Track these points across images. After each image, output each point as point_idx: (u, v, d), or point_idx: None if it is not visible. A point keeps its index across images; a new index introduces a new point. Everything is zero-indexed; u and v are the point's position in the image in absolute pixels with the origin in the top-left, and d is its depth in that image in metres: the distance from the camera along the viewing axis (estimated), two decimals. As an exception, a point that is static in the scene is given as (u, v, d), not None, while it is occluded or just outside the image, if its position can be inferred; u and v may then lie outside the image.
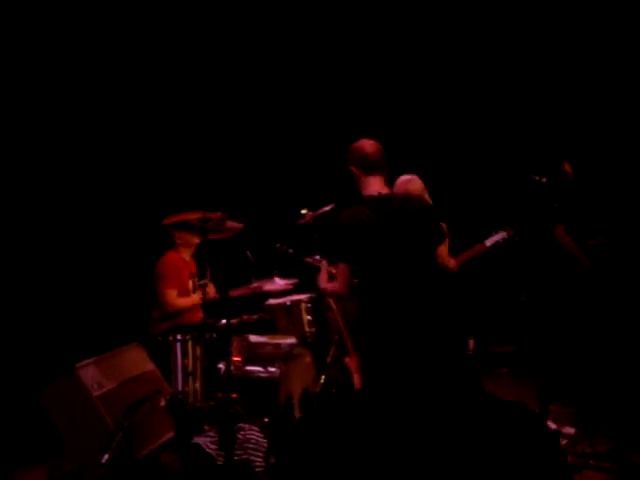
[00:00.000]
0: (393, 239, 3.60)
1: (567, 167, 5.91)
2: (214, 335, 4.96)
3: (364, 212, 3.63)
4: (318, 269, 4.42)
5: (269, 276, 5.90)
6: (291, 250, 5.68)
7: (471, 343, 6.41)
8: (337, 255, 3.67)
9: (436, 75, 7.54)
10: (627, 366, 5.72)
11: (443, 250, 3.83)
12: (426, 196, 4.58)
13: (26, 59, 5.89)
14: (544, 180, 4.86)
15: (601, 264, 5.81)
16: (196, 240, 5.68)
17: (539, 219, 5.11)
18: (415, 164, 4.89)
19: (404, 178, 4.57)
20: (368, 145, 3.80)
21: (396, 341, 3.51)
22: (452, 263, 3.88)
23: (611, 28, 6.73)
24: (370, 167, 3.76)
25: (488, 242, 5.04)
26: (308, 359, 5.66)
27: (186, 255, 5.87)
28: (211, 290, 5.51)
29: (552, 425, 5.26)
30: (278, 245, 5.76)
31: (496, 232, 5.08)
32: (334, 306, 6.08)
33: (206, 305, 5.12)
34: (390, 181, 4.11)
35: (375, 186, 3.75)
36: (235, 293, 5.67)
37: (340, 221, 3.67)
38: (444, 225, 4.62)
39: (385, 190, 3.76)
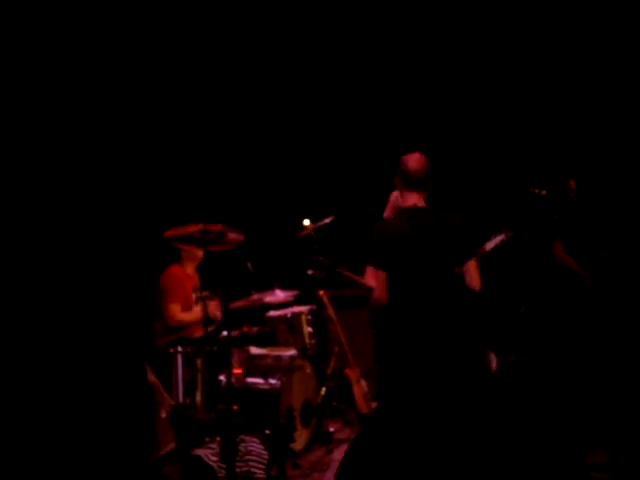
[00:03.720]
0: (422, 249, 3.78)
1: (572, 183, 5.92)
2: (215, 347, 4.97)
3: (399, 222, 3.85)
4: (346, 283, 4.55)
5: (270, 288, 5.93)
6: (326, 260, 5.74)
7: (493, 360, 6.40)
8: (374, 262, 3.83)
9: (436, 83, 7.56)
10: (627, 377, 5.73)
11: (471, 265, 3.85)
12: None
13: (19, 64, 5.89)
14: (544, 193, 4.89)
15: (604, 278, 5.81)
16: (200, 254, 5.70)
17: (538, 231, 5.12)
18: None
19: (397, 193, 4.61)
20: (412, 160, 3.96)
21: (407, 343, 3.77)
22: (478, 282, 3.88)
23: (616, 44, 6.75)
24: (409, 183, 3.94)
25: (487, 246, 5.03)
26: (309, 371, 5.67)
27: (190, 268, 5.88)
28: (216, 309, 5.50)
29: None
30: (315, 257, 5.82)
31: (495, 235, 5.07)
32: (335, 318, 6.11)
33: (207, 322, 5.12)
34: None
35: (412, 200, 3.93)
36: (236, 305, 5.70)
37: (377, 230, 3.88)
38: None
39: (421, 204, 3.92)
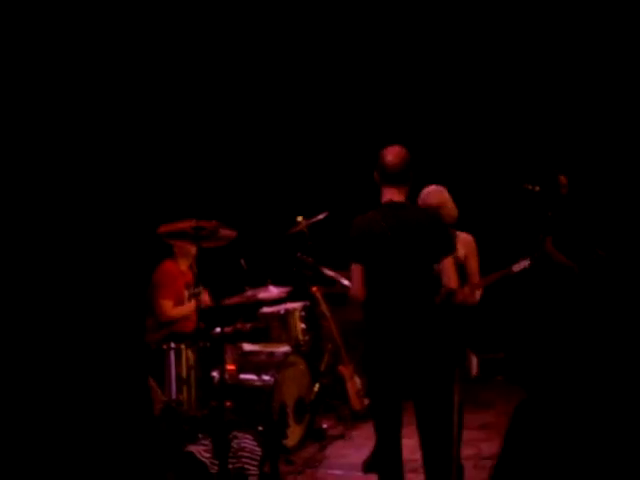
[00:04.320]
0: (397, 246, 3.74)
1: (562, 179, 5.92)
2: (208, 343, 4.96)
3: (375, 218, 3.79)
4: (334, 281, 4.56)
5: (263, 284, 5.92)
6: (310, 259, 5.75)
7: (474, 362, 6.40)
8: (350, 256, 3.84)
9: (430, 81, 7.56)
10: (620, 372, 5.74)
11: (448, 262, 3.82)
12: (449, 207, 4.60)
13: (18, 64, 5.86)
14: (537, 189, 4.88)
15: (597, 275, 5.81)
16: (194, 250, 5.69)
17: (531, 227, 5.12)
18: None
19: (425, 190, 4.62)
20: (390, 154, 3.86)
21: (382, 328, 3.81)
22: (455, 281, 3.84)
23: (609, 40, 6.74)
24: (387, 178, 3.85)
25: (515, 267, 4.99)
26: (302, 367, 5.67)
27: (183, 265, 5.85)
28: (205, 297, 5.50)
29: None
30: (299, 254, 5.82)
31: (524, 259, 5.03)
32: (328, 314, 6.11)
33: (200, 312, 5.13)
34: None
35: (389, 195, 3.85)
36: (229, 301, 5.69)
37: (354, 225, 3.85)
38: (471, 239, 4.69)
39: (398, 199, 3.84)
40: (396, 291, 3.76)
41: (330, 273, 5.35)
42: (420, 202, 4.61)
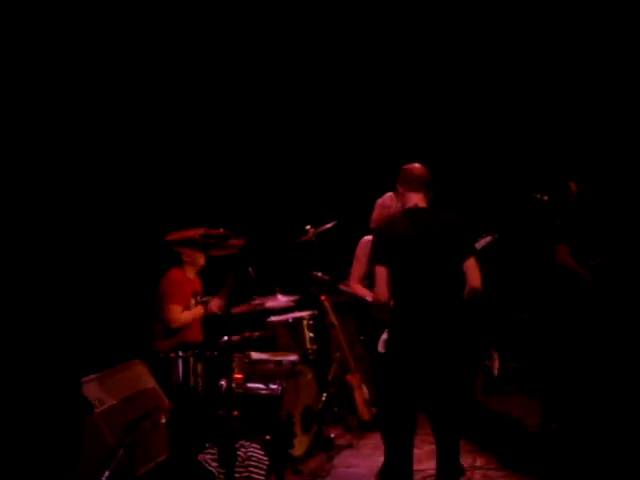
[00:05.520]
0: (423, 248, 3.83)
1: (572, 186, 5.90)
2: (216, 352, 4.95)
3: (401, 221, 3.91)
4: (352, 296, 4.62)
5: (271, 293, 5.91)
6: (327, 277, 5.79)
7: (496, 363, 6.36)
8: (376, 258, 3.91)
9: (437, 90, 7.56)
10: (630, 381, 5.70)
11: (471, 262, 3.87)
12: None
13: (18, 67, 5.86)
14: (546, 198, 4.88)
15: (604, 283, 5.78)
16: (202, 260, 5.70)
17: (541, 237, 5.11)
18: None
19: (388, 195, 4.70)
20: (414, 166, 4.09)
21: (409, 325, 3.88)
22: (478, 279, 3.90)
23: (618, 47, 6.73)
24: (412, 185, 4.02)
25: (476, 246, 5.06)
26: (310, 376, 5.65)
27: (191, 273, 5.87)
28: (216, 302, 5.48)
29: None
30: (313, 273, 5.86)
31: (483, 236, 5.13)
32: (336, 323, 6.09)
33: (208, 319, 5.12)
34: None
35: (415, 201, 3.99)
36: (237, 310, 5.68)
37: (380, 229, 4.00)
38: None
39: (422, 205, 4.00)
40: (423, 292, 3.82)
41: (346, 289, 5.35)
42: (385, 211, 4.73)
